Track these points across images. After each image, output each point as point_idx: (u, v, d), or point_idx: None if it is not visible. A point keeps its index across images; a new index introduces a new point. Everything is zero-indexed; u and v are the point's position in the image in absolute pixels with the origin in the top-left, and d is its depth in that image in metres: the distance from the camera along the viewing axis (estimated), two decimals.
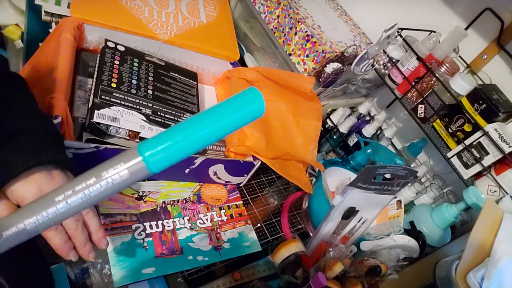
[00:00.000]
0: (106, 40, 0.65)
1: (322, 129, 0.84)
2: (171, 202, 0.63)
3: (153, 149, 0.23)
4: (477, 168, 0.69)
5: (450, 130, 0.73)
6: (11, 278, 0.39)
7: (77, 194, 0.24)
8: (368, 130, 0.86)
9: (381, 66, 0.83)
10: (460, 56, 0.79)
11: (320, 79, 0.80)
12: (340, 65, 0.79)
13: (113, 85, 0.60)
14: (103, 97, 0.57)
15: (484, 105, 0.68)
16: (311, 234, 0.73)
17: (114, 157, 0.24)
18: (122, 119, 0.57)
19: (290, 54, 0.83)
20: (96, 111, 0.55)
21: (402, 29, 0.77)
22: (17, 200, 0.36)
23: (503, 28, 0.74)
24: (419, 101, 0.76)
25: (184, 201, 0.65)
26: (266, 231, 0.70)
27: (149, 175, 0.24)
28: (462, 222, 0.78)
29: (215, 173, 0.67)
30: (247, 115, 0.24)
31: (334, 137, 0.89)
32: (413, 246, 0.66)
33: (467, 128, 0.70)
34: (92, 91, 0.58)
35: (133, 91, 0.62)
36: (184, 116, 0.66)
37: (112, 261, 0.52)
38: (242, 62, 0.91)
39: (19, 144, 0.37)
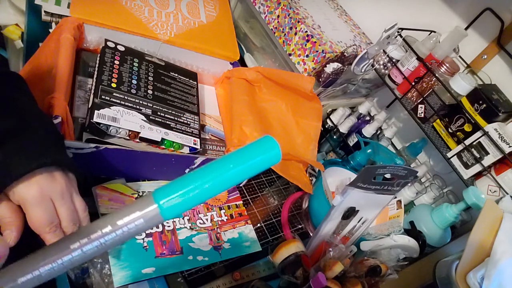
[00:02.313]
0: (106, 40, 0.65)
1: (322, 129, 0.84)
2: None
3: (169, 197, 0.23)
4: (477, 168, 0.69)
5: (450, 130, 0.73)
6: None
7: (92, 242, 0.24)
8: (368, 130, 0.86)
9: (381, 66, 0.83)
10: (460, 56, 0.79)
11: (320, 79, 0.80)
12: (340, 65, 0.79)
13: (113, 85, 0.60)
14: (103, 97, 0.57)
15: (484, 105, 0.68)
16: (311, 234, 0.73)
17: (129, 204, 0.24)
18: (122, 119, 0.57)
19: (290, 54, 0.83)
20: (96, 111, 0.55)
21: (402, 29, 0.77)
22: (18, 202, 0.37)
23: (503, 28, 0.74)
24: (419, 101, 0.76)
25: None
26: (266, 231, 0.70)
27: (162, 221, 0.24)
28: (462, 222, 0.78)
29: None
30: (263, 163, 0.24)
31: (334, 137, 0.89)
32: (413, 246, 0.66)
33: (467, 128, 0.70)
34: (92, 91, 0.58)
35: (133, 91, 0.62)
36: (184, 116, 0.66)
37: (112, 261, 0.52)
38: (242, 62, 0.91)
39: (20, 145, 0.37)
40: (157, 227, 0.58)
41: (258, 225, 0.70)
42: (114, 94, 0.59)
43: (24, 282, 0.25)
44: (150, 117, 0.60)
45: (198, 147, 0.63)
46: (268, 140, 0.24)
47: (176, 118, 0.64)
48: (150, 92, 0.64)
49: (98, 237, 0.24)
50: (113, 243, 0.24)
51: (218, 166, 0.24)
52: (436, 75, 0.72)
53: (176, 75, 0.71)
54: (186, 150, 0.63)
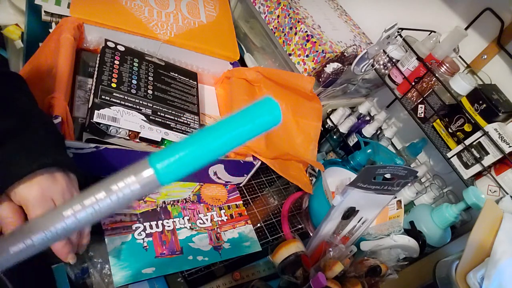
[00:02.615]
0: (106, 40, 0.65)
1: (322, 129, 0.84)
2: (171, 202, 0.63)
3: (165, 161, 0.22)
4: (477, 168, 0.69)
5: (450, 130, 0.73)
6: (14, 277, 0.39)
7: (86, 209, 0.23)
8: (368, 130, 0.86)
9: (381, 66, 0.83)
10: (460, 56, 0.79)
11: (320, 79, 0.80)
12: (340, 65, 0.79)
13: (113, 85, 0.60)
14: (103, 97, 0.57)
15: (484, 105, 0.68)
16: (311, 234, 0.73)
17: (124, 169, 0.23)
18: (122, 119, 0.57)
19: (290, 54, 0.83)
20: (96, 111, 0.55)
21: (402, 29, 0.77)
22: (20, 202, 0.37)
23: (503, 28, 0.74)
24: (419, 101, 0.76)
25: (184, 201, 0.65)
26: (266, 231, 0.70)
27: (160, 187, 0.23)
28: (462, 222, 0.78)
29: (215, 173, 0.67)
30: (263, 124, 0.23)
31: (334, 137, 0.89)
32: (413, 246, 0.66)
33: (467, 128, 0.70)
34: (92, 91, 0.58)
35: (133, 91, 0.62)
36: (184, 116, 0.66)
37: (112, 261, 0.52)
38: (242, 62, 0.91)
39: (20, 145, 0.37)
40: (157, 227, 0.58)
41: (258, 225, 0.70)
42: (114, 94, 0.59)
43: (16, 251, 0.24)
44: (150, 117, 0.60)
45: None
46: (268, 102, 0.23)
47: (176, 118, 0.64)
48: (150, 92, 0.64)
49: (92, 203, 0.23)
50: (108, 210, 0.23)
51: (217, 128, 0.23)
52: (436, 75, 0.72)
53: (176, 75, 0.71)
54: None
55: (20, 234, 0.24)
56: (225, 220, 0.66)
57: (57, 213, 0.24)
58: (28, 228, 0.24)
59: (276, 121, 0.24)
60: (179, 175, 0.23)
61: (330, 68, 0.78)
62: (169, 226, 0.60)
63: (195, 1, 0.83)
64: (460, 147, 0.72)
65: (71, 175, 0.41)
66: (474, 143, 0.69)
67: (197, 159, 0.23)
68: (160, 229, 0.59)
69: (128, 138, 0.57)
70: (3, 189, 0.35)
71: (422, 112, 0.76)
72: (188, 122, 0.65)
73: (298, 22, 0.80)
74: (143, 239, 0.56)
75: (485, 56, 0.77)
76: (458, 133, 0.72)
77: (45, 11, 0.63)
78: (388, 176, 0.56)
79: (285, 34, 0.84)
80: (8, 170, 0.35)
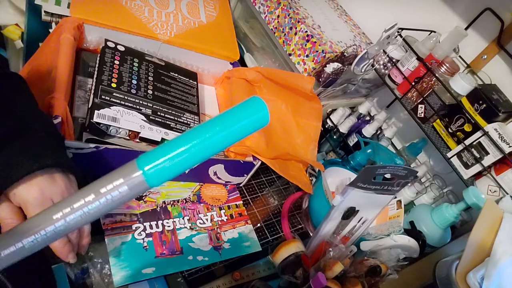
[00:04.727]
0: (106, 40, 0.65)
1: (322, 129, 0.84)
2: (171, 202, 0.63)
3: (153, 163, 0.22)
4: (477, 168, 0.69)
5: (450, 130, 0.73)
6: (13, 277, 0.39)
7: (75, 212, 0.23)
8: (368, 130, 0.86)
9: (381, 66, 0.83)
10: (460, 56, 0.79)
11: (320, 79, 0.80)
12: (340, 65, 0.79)
13: (113, 85, 0.60)
14: (103, 97, 0.57)
15: (484, 105, 0.68)
16: (311, 234, 0.73)
17: (112, 172, 0.23)
18: (122, 119, 0.57)
19: (290, 54, 0.83)
20: (96, 111, 0.55)
21: (402, 29, 0.77)
22: (19, 203, 0.37)
23: (503, 28, 0.74)
24: (419, 101, 0.76)
25: (184, 201, 0.65)
26: (266, 231, 0.70)
27: (148, 189, 0.23)
28: (462, 222, 0.78)
29: (215, 173, 0.67)
30: (250, 125, 0.23)
31: (334, 137, 0.89)
32: (413, 246, 0.66)
33: (467, 128, 0.70)
34: (92, 91, 0.58)
35: (133, 91, 0.62)
36: (184, 116, 0.66)
37: (112, 261, 0.52)
38: (242, 62, 0.91)
39: (20, 146, 0.37)
40: (157, 227, 0.58)
41: (258, 225, 0.70)
42: (114, 94, 0.59)
43: (7, 254, 0.24)
44: (150, 117, 0.60)
45: None
46: (255, 101, 0.23)
47: (176, 118, 0.64)
48: (150, 92, 0.64)
49: (81, 206, 0.23)
50: (98, 212, 0.23)
51: (204, 130, 0.22)
52: (436, 75, 0.72)
53: (176, 75, 0.71)
54: None
55: (11, 237, 0.24)
56: (225, 220, 0.66)
57: (47, 216, 0.24)
58: (19, 231, 0.24)
59: (264, 121, 0.23)
60: (168, 177, 0.23)
61: (330, 68, 0.78)
62: (169, 226, 0.60)
63: (195, 1, 0.83)
64: (460, 147, 0.72)
65: (70, 176, 0.41)
66: (474, 143, 0.69)
67: (186, 160, 0.22)
68: (160, 229, 0.59)
69: (128, 138, 0.57)
70: (3, 190, 0.35)
71: (422, 112, 0.76)
72: (188, 122, 0.65)
73: (298, 22, 0.80)
74: (143, 239, 0.56)
75: (485, 56, 0.77)
76: (458, 133, 0.72)
77: (45, 11, 0.63)
78: (388, 176, 0.56)
79: (285, 34, 0.84)
80: (8, 172, 0.35)
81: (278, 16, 0.85)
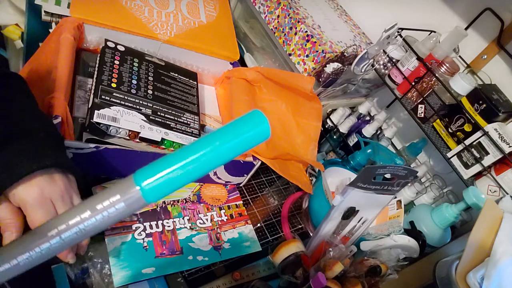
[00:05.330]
0: (106, 40, 0.65)
1: (322, 129, 0.84)
2: (171, 202, 0.63)
3: (151, 178, 0.21)
4: (477, 168, 0.69)
5: (450, 130, 0.73)
6: (13, 277, 0.39)
7: (71, 228, 0.23)
8: (368, 130, 0.86)
9: (381, 66, 0.83)
10: (460, 56, 0.79)
11: (320, 79, 0.80)
12: (340, 65, 0.79)
13: (113, 85, 0.60)
14: (103, 97, 0.57)
15: (484, 105, 0.68)
16: (311, 234, 0.73)
17: (109, 188, 0.23)
18: (122, 119, 0.57)
19: (290, 54, 0.83)
20: (96, 111, 0.55)
21: (402, 29, 0.77)
22: (18, 204, 0.37)
23: (503, 28, 0.74)
24: (419, 101, 0.76)
25: (184, 201, 0.65)
26: (266, 231, 0.70)
27: (146, 205, 0.23)
28: (462, 222, 0.78)
29: (215, 173, 0.67)
30: (250, 140, 0.22)
31: (334, 137, 0.89)
32: (413, 246, 0.66)
33: (467, 128, 0.70)
34: (92, 91, 0.58)
35: (133, 91, 0.62)
36: (184, 116, 0.66)
37: (112, 261, 0.52)
38: (242, 62, 0.91)
39: (20, 147, 0.37)
40: (157, 227, 0.58)
41: (258, 225, 0.70)
42: (114, 94, 0.59)
43: (2, 271, 0.24)
44: (150, 117, 0.60)
45: None
46: (256, 115, 0.23)
47: (176, 118, 0.64)
48: (150, 92, 0.64)
49: (77, 223, 0.23)
50: (94, 229, 0.23)
51: (203, 145, 0.22)
52: (436, 75, 0.72)
53: (176, 75, 0.71)
54: None
55: (6, 254, 0.24)
56: (225, 220, 0.66)
57: (42, 233, 0.23)
58: (14, 248, 0.24)
59: (265, 135, 0.23)
60: (166, 192, 0.22)
61: (330, 68, 0.78)
62: (169, 226, 0.60)
63: (195, 1, 0.83)
64: (460, 147, 0.72)
65: (70, 176, 0.41)
66: (474, 143, 0.69)
67: (183, 178, 0.22)
68: (160, 229, 0.59)
69: (128, 138, 0.57)
70: (2, 190, 0.35)
71: (422, 112, 0.76)
72: (188, 122, 0.65)
73: (298, 22, 0.80)
74: (143, 239, 0.56)
75: (485, 56, 0.77)
76: (458, 133, 0.72)
77: (45, 11, 0.63)
78: (388, 176, 0.56)
79: (285, 34, 0.84)
80: (7, 172, 0.35)
81: (278, 16, 0.85)
